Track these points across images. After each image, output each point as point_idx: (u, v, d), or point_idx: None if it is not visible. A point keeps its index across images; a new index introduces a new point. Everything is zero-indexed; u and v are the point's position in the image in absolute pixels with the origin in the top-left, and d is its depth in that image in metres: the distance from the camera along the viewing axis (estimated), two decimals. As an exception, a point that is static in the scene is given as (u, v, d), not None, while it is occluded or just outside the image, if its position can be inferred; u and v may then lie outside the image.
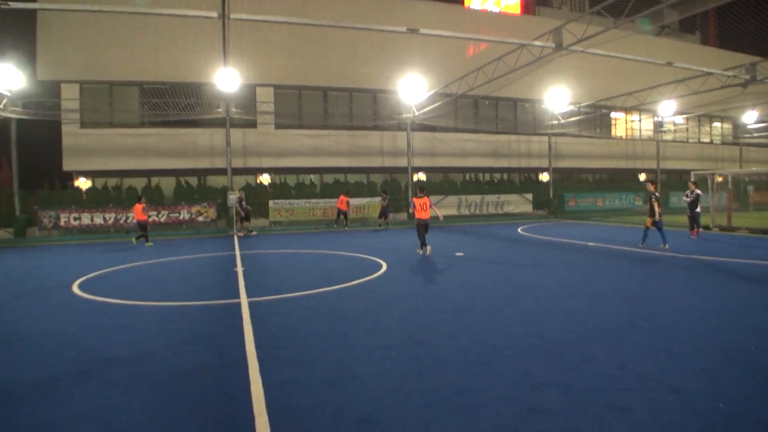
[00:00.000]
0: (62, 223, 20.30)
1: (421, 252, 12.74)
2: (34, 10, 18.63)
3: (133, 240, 16.96)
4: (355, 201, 24.13)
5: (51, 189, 23.18)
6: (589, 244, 14.36)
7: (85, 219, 20.42)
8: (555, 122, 28.53)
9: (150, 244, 16.43)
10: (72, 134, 22.67)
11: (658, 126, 33.20)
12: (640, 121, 34.21)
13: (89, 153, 22.84)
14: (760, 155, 39.09)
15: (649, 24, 23.49)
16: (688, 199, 15.72)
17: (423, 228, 12.77)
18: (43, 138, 27.29)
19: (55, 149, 23.46)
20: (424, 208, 12.66)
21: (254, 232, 20.39)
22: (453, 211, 26.20)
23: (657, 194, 12.80)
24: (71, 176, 23.76)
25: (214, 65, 21.65)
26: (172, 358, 5.10)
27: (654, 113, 31.06)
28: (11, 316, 7.14)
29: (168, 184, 24.02)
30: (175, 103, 21.98)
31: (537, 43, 17.08)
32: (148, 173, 24.11)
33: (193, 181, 24.80)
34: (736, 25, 27.06)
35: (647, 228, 13.03)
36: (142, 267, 11.62)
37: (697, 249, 12.75)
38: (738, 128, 36.35)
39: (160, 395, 4.18)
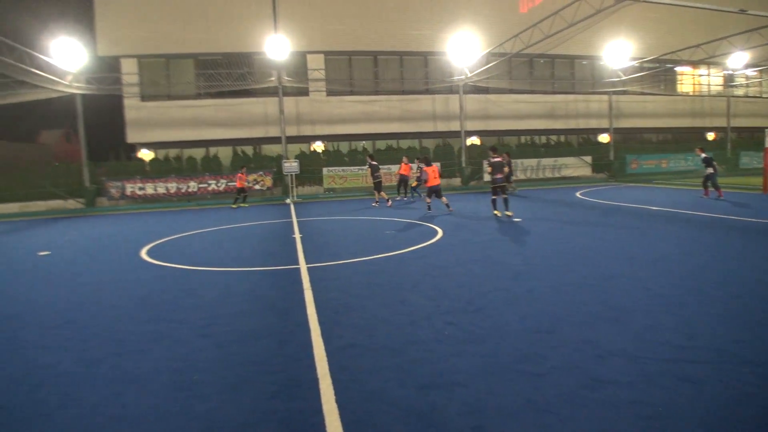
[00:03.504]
0: (128, 192, 21.30)
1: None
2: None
3: (235, 205, 19.48)
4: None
5: (117, 161, 24.28)
6: (652, 208, 13.78)
7: (149, 189, 21.32)
8: (615, 79, 27.13)
9: (245, 205, 19.57)
10: (134, 107, 23.51)
11: (729, 80, 30.97)
12: (708, 75, 31.99)
13: (150, 125, 23.66)
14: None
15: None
16: None
17: (436, 193, 14.32)
18: (107, 112, 28.58)
19: (119, 122, 24.43)
20: (435, 175, 14.28)
21: (389, 202, 17.22)
22: (507, 176, 25.61)
23: None
24: (135, 148, 24.74)
25: (264, 34, 21.78)
26: (237, 321, 5.30)
27: (724, 66, 28.95)
28: (89, 279, 7.61)
29: (225, 154, 24.66)
30: (229, 74, 22.37)
31: (597, -6, 16.14)
32: (206, 143, 24.77)
33: (249, 150, 25.32)
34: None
35: None
36: (205, 234, 12.06)
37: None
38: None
39: (227, 356, 4.37)
